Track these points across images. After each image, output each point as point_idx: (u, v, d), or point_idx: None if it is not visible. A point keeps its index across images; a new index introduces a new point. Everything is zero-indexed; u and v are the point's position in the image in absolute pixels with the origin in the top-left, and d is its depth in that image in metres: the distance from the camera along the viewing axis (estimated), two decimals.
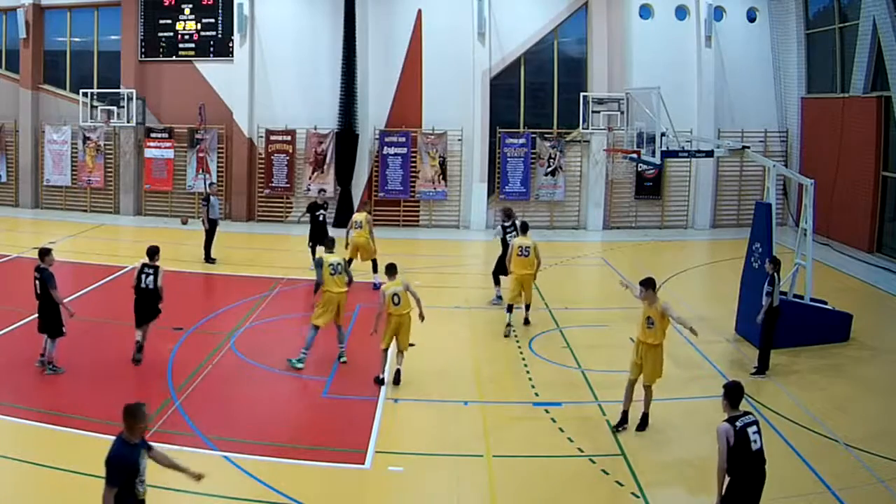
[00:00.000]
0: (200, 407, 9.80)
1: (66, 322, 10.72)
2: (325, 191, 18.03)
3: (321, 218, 16.73)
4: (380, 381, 10.70)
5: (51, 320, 10.64)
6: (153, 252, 11.60)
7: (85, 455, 8.36)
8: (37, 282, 10.69)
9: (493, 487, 8.11)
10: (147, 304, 11.40)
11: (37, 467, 8.11)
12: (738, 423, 6.54)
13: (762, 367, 11.29)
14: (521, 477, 8.40)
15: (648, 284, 9.42)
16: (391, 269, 10.85)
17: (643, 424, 9.46)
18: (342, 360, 11.52)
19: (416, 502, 8.09)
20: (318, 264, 11.47)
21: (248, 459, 8.40)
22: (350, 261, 15.32)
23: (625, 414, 9.49)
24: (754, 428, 6.58)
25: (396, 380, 10.71)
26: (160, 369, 11.02)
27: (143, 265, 11.49)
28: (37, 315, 10.78)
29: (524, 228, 13.72)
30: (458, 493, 8.04)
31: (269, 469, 8.12)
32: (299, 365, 11.21)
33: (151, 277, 11.34)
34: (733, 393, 6.76)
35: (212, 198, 17.94)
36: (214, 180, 23.01)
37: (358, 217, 15.78)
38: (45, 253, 10.85)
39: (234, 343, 12.29)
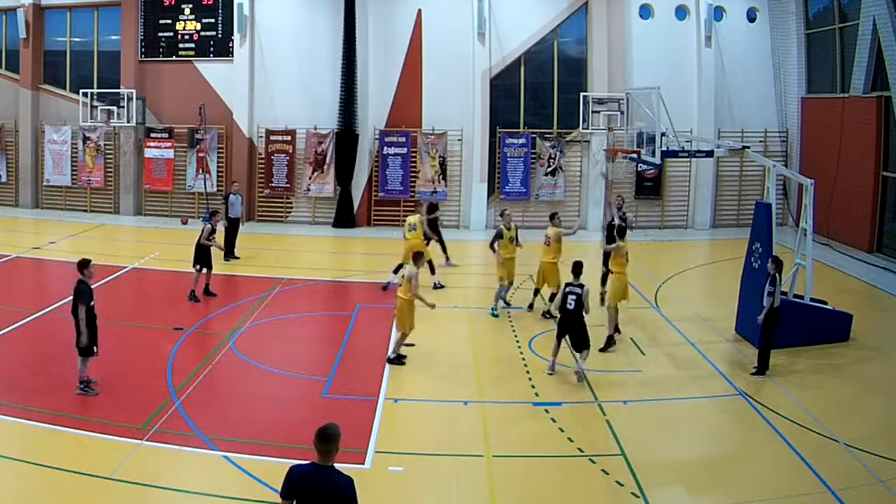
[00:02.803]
0: (200, 407, 9.80)
1: (99, 343, 10.11)
2: (436, 191, 18.91)
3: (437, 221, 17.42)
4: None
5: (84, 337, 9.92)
6: (211, 213, 15.43)
7: (85, 455, 8.38)
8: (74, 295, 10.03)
9: (493, 487, 8.11)
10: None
11: (37, 467, 8.10)
12: (567, 288, 10.84)
13: (762, 368, 11.29)
14: (521, 477, 8.39)
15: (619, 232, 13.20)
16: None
17: (607, 344, 12.12)
18: (493, 312, 14.01)
19: (416, 502, 8.08)
20: (499, 234, 14.28)
21: (248, 459, 8.40)
22: (400, 266, 15.40)
23: (609, 337, 12.26)
24: (573, 296, 10.70)
25: (396, 360, 11.62)
26: (160, 369, 11.02)
27: None
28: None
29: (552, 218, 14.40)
30: (458, 493, 8.04)
31: (269, 469, 8.11)
32: (497, 312, 13.94)
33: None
34: (575, 267, 10.95)
35: (231, 196, 18.35)
36: (215, 180, 23.11)
37: (412, 220, 15.85)
38: (83, 265, 10.03)
39: (234, 343, 12.29)
